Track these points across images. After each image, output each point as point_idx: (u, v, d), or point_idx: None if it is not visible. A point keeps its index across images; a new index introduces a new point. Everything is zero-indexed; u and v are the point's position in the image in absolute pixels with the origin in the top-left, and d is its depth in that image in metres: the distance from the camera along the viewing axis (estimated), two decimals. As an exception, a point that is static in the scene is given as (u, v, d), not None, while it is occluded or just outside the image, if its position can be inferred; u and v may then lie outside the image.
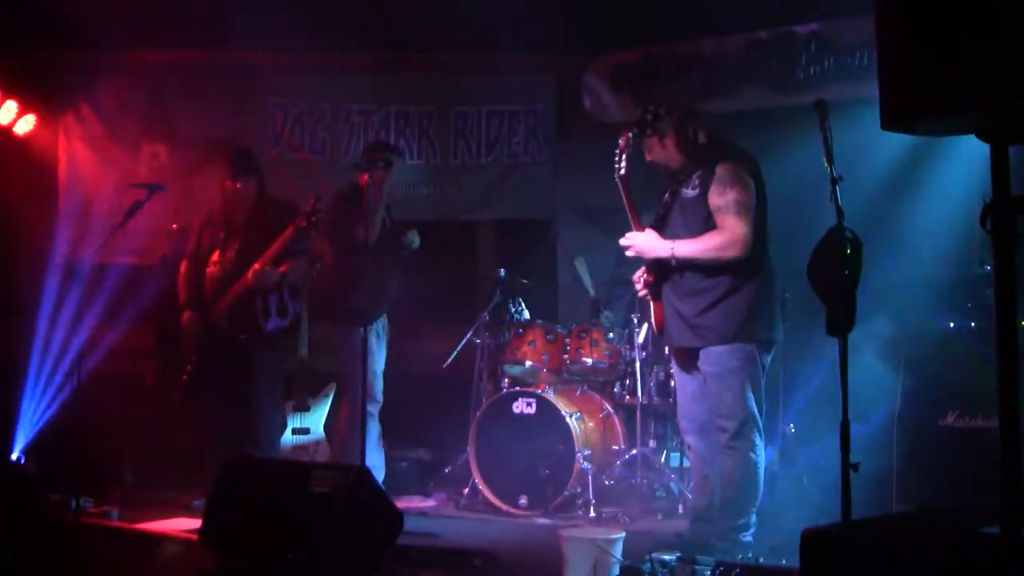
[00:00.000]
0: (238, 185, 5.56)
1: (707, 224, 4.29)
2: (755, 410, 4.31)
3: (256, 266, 5.36)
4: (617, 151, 4.40)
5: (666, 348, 5.44)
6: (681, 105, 4.54)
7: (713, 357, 4.33)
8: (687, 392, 4.53)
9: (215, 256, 5.60)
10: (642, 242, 4.40)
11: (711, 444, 4.44)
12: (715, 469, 4.42)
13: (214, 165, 5.75)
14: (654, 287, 4.47)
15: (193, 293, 5.66)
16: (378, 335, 5.57)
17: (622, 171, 4.39)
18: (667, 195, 4.46)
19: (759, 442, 4.33)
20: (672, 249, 4.31)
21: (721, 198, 4.24)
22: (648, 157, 4.48)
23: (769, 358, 4.43)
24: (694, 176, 4.35)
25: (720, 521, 4.36)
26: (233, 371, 5.52)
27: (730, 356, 4.29)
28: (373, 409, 5.49)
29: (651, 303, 4.53)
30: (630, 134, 4.42)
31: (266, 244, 5.39)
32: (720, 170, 4.26)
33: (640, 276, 4.53)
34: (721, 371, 4.30)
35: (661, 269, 4.43)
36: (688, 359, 4.48)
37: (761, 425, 4.35)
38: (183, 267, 5.75)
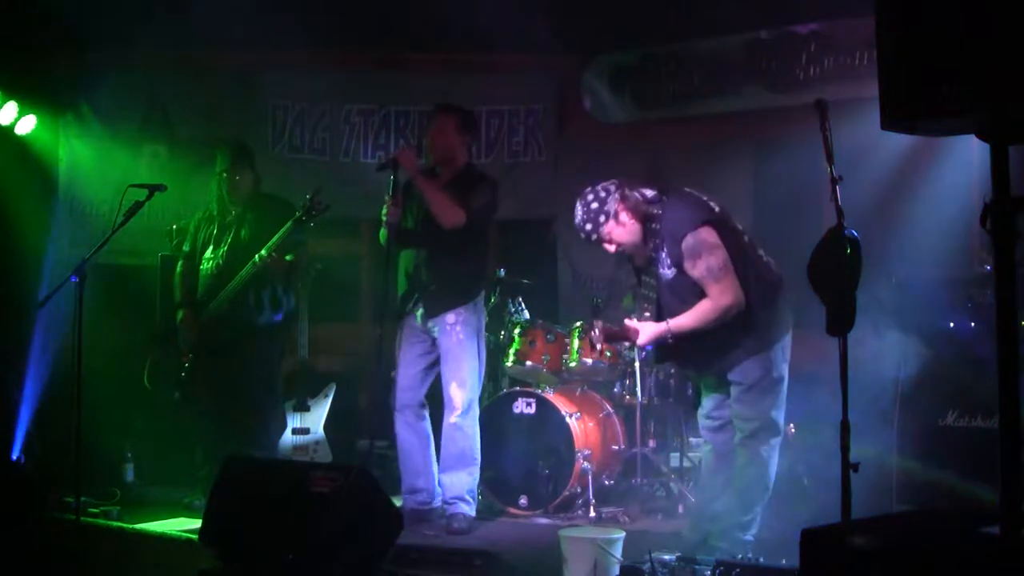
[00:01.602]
0: (236, 176, 5.55)
1: (697, 292, 4.28)
2: (773, 415, 4.33)
3: (263, 252, 5.30)
4: (594, 335, 4.65)
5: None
6: (615, 181, 4.43)
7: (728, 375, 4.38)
8: (709, 393, 4.57)
9: (209, 252, 5.60)
10: (640, 338, 4.39)
11: (728, 442, 4.47)
12: (728, 465, 4.45)
13: (212, 162, 5.74)
14: (659, 352, 4.58)
15: (189, 292, 5.66)
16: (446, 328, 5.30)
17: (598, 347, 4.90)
18: (652, 280, 4.44)
19: (774, 443, 4.35)
20: (668, 328, 4.31)
21: (695, 271, 4.23)
22: (612, 249, 4.44)
23: (781, 347, 4.38)
24: (662, 256, 4.33)
25: (725, 516, 4.37)
26: (229, 368, 5.52)
27: (744, 373, 4.32)
28: (451, 417, 5.26)
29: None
30: (594, 331, 4.63)
31: (259, 239, 5.37)
32: (683, 246, 4.24)
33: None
34: (737, 384, 4.34)
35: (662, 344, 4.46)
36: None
37: (781, 429, 4.38)
38: (179, 266, 5.76)
